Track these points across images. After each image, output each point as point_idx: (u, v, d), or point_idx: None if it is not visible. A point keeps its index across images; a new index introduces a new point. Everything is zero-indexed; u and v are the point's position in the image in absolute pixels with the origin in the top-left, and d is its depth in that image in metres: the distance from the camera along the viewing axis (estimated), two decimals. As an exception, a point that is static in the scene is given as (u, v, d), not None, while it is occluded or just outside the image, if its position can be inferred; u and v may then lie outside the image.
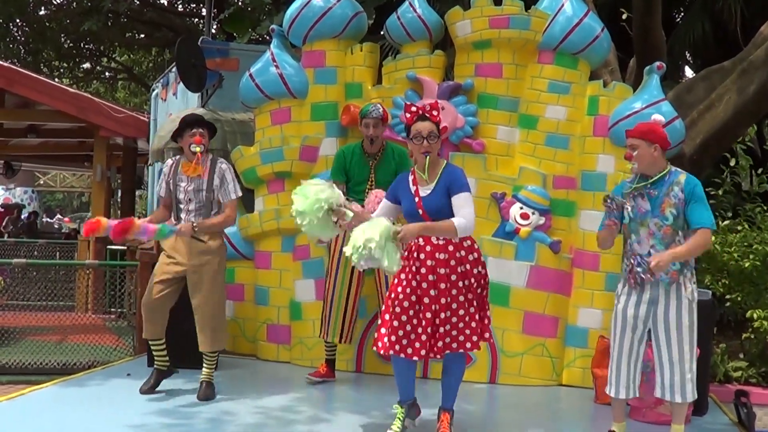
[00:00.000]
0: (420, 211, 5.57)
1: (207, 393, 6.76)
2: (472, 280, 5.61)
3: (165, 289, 6.83)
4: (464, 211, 5.49)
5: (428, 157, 5.58)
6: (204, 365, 6.93)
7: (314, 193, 5.58)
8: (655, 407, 6.42)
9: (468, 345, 5.58)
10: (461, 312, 5.56)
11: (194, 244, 6.82)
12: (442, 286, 5.54)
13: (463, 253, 5.60)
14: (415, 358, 5.55)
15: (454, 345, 5.56)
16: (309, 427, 6.00)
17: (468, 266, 5.61)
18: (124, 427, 5.75)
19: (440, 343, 5.54)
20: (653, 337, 5.62)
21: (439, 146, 5.73)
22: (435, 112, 5.66)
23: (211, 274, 6.88)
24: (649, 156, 5.57)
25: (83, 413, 6.16)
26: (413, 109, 5.69)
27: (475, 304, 5.64)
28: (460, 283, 5.57)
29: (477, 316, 5.64)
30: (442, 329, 5.54)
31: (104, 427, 5.81)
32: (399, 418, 5.73)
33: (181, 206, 6.86)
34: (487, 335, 5.76)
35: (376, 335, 5.78)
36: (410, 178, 5.72)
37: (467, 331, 5.57)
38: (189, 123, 6.86)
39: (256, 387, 7.16)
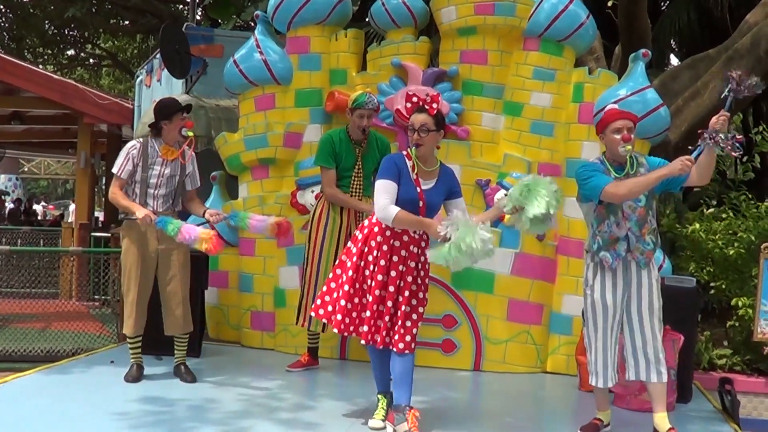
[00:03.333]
0: (420, 203, 5.52)
1: (192, 374, 6.87)
2: (423, 274, 5.65)
3: (148, 282, 6.83)
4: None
5: (415, 149, 5.55)
6: (178, 348, 7.02)
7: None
8: (639, 394, 6.43)
9: (401, 345, 5.47)
10: (410, 309, 5.53)
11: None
12: (409, 279, 5.54)
13: (424, 245, 5.62)
14: (363, 341, 5.53)
15: (401, 345, 5.47)
16: (293, 414, 5.99)
17: (423, 258, 5.60)
18: (108, 415, 5.73)
19: (395, 336, 5.49)
20: (626, 320, 5.63)
21: (436, 140, 5.63)
22: (434, 105, 5.59)
23: (182, 258, 6.91)
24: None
25: (67, 400, 6.13)
26: (414, 99, 5.63)
27: (422, 302, 5.63)
28: (422, 280, 5.61)
29: (414, 316, 5.59)
30: (399, 321, 5.49)
31: (88, 415, 5.77)
32: (382, 408, 5.71)
33: (150, 191, 6.78)
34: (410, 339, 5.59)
35: (319, 302, 5.73)
36: (408, 163, 5.60)
37: (413, 330, 5.52)
38: (180, 107, 6.87)
39: (240, 374, 7.14)
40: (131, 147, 6.82)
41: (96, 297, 12.74)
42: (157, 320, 6.92)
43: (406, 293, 5.51)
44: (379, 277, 5.52)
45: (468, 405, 6.87)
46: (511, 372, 7.67)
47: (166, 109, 6.85)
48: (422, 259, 5.57)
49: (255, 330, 8.33)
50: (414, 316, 5.54)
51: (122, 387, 6.58)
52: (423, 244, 5.58)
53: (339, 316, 5.60)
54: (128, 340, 6.88)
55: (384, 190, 5.47)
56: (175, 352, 7.05)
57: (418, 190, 5.55)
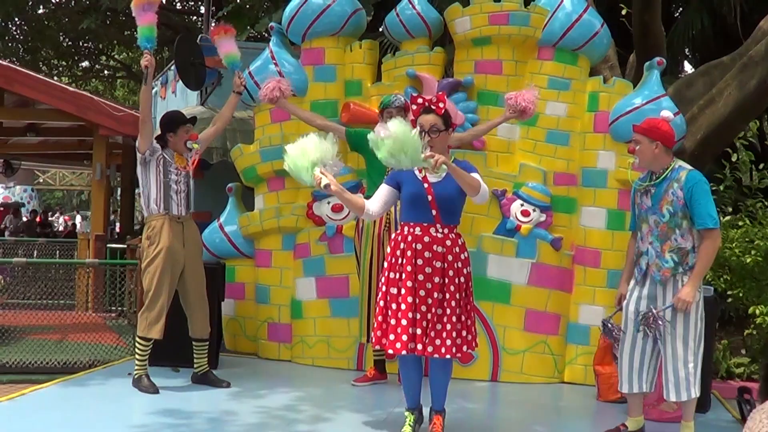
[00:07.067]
0: (429, 197, 5.50)
1: (225, 380, 7.08)
2: (462, 280, 5.54)
3: (175, 286, 6.95)
4: (483, 183, 5.49)
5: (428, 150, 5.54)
6: (198, 356, 7.18)
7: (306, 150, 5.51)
8: (658, 404, 6.41)
9: (443, 351, 5.40)
10: (448, 311, 5.43)
11: (187, 231, 7.04)
12: (437, 280, 5.46)
13: (458, 249, 5.56)
14: (404, 351, 5.43)
15: (430, 348, 5.41)
16: (311, 426, 5.99)
17: (460, 264, 5.55)
18: (126, 427, 5.75)
19: (426, 339, 5.42)
20: (657, 335, 5.63)
21: (446, 140, 5.65)
22: (441, 104, 5.59)
23: (200, 261, 7.21)
24: (650, 152, 5.58)
25: (85, 413, 6.15)
26: (419, 101, 5.62)
27: (462, 305, 5.53)
28: (457, 280, 5.50)
29: (462, 320, 5.52)
30: (429, 325, 5.42)
31: (106, 427, 5.80)
32: (409, 424, 5.67)
33: (172, 195, 6.95)
34: (469, 344, 5.62)
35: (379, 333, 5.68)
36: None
37: (453, 335, 5.42)
38: (184, 120, 7.11)
39: (258, 386, 7.14)
40: (156, 150, 7.03)
41: (112, 308, 12.76)
42: (174, 331, 6.95)
43: (435, 294, 5.44)
44: (408, 284, 5.49)
45: (486, 416, 6.86)
46: (528, 382, 7.65)
47: (171, 122, 7.12)
48: (449, 258, 5.48)
49: (272, 341, 8.33)
50: (453, 319, 5.42)
51: (140, 399, 6.60)
52: (448, 242, 5.50)
53: (379, 333, 5.62)
54: (144, 345, 6.89)
55: (376, 193, 5.76)
56: (197, 360, 7.15)
57: (425, 185, 5.53)
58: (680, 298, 5.38)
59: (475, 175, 5.52)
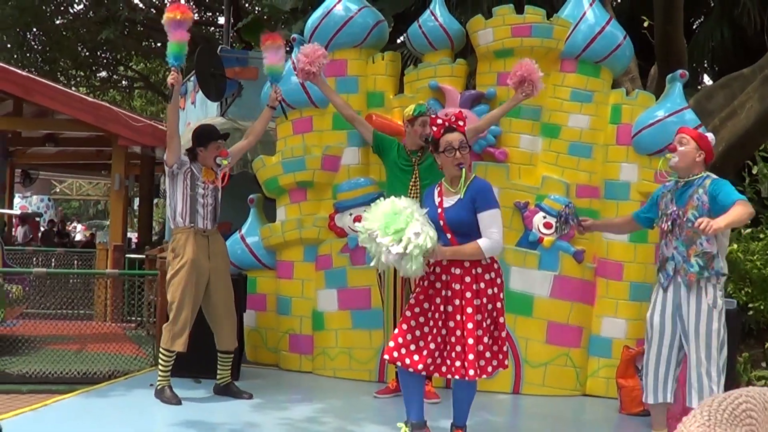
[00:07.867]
0: (441, 222, 5.47)
1: (248, 392, 7.10)
2: (485, 300, 5.44)
3: (200, 299, 6.97)
4: (491, 230, 5.43)
5: (464, 169, 5.53)
6: (223, 368, 7.19)
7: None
8: (681, 418, 6.36)
9: (471, 372, 5.28)
10: (464, 333, 5.34)
11: (213, 244, 7.06)
12: (456, 302, 5.41)
13: (479, 270, 5.47)
14: (411, 369, 5.42)
15: (453, 370, 5.36)
16: (334, 438, 5.99)
17: (483, 285, 5.46)
18: (150, 439, 5.76)
19: (448, 362, 5.38)
20: (683, 342, 5.63)
21: (469, 157, 5.68)
22: (461, 123, 5.60)
23: (227, 274, 7.20)
24: (693, 157, 5.62)
25: (108, 424, 6.16)
26: (439, 121, 5.61)
27: (485, 326, 5.43)
28: (475, 302, 5.40)
29: (485, 340, 5.42)
30: (449, 347, 5.39)
31: (129, 439, 5.82)
32: None
33: (199, 209, 6.97)
34: (495, 363, 5.51)
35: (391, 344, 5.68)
36: (437, 189, 5.65)
37: (470, 356, 5.32)
38: (217, 136, 7.10)
39: (280, 398, 7.14)
40: (184, 163, 7.04)
41: (131, 318, 12.78)
42: (196, 342, 6.96)
43: (458, 317, 5.37)
44: (426, 305, 5.51)
45: (508, 428, 6.84)
46: (550, 395, 7.62)
47: (203, 137, 7.09)
48: (467, 279, 5.40)
49: (293, 353, 8.34)
50: (470, 341, 5.31)
51: (162, 411, 6.61)
52: (467, 264, 5.43)
53: (391, 343, 5.59)
54: (167, 356, 6.88)
55: None
56: (220, 371, 7.17)
57: (439, 210, 5.52)
58: (708, 219, 5.20)
59: (489, 212, 5.50)
